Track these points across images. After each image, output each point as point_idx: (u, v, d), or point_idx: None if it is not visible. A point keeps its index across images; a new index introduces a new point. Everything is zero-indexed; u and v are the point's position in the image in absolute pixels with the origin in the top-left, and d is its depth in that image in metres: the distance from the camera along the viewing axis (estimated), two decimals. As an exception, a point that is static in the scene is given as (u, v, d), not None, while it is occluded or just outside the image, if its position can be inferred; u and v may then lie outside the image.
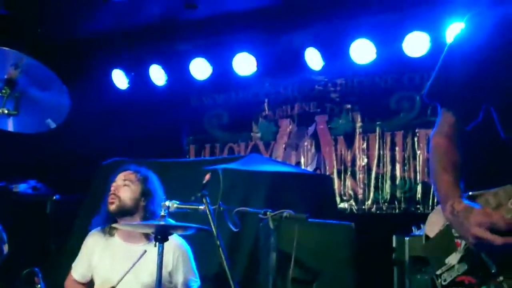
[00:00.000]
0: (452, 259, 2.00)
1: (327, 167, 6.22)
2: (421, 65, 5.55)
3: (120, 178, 3.78)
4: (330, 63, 5.90)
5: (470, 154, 2.13)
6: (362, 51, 5.64)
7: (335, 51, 5.81)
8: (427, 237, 2.14)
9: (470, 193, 2.01)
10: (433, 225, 2.13)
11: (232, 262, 3.37)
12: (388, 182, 5.92)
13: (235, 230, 3.35)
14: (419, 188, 5.76)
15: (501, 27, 2.02)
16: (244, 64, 6.14)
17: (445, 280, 2.01)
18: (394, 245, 4.29)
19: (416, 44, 5.42)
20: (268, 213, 3.29)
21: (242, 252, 4.13)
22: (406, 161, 5.87)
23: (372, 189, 5.97)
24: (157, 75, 6.50)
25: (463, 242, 1.96)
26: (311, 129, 6.33)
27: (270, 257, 3.29)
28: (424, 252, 2.23)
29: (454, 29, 5.04)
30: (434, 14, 5.28)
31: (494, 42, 2.00)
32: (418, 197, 5.74)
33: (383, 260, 4.36)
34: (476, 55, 2.02)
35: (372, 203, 5.95)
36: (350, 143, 6.15)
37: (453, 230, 2.00)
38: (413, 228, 4.31)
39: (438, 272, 2.04)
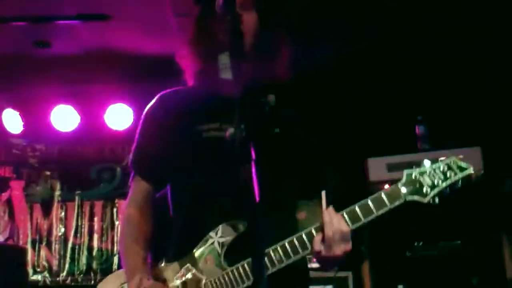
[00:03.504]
0: None
1: (21, 236, 5.88)
2: (124, 138, 5.60)
3: None
4: (30, 127, 5.67)
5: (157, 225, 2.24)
6: (65, 119, 5.55)
7: (36, 116, 5.61)
8: None
9: (162, 265, 2.11)
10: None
11: None
12: (85, 253, 5.82)
13: None
14: (115, 259, 5.75)
15: (171, 109, 2.21)
16: None
17: None
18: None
19: (119, 116, 5.52)
20: None
21: None
22: (104, 232, 5.85)
23: (68, 260, 5.80)
24: None
25: None
26: (5, 195, 5.94)
27: None
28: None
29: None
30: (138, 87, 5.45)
31: (168, 122, 2.19)
32: (115, 268, 5.71)
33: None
34: (159, 131, 2.19)
35: (68, 274, 5.78)
36: (47, 211, 5.92)
37: None
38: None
39: None
